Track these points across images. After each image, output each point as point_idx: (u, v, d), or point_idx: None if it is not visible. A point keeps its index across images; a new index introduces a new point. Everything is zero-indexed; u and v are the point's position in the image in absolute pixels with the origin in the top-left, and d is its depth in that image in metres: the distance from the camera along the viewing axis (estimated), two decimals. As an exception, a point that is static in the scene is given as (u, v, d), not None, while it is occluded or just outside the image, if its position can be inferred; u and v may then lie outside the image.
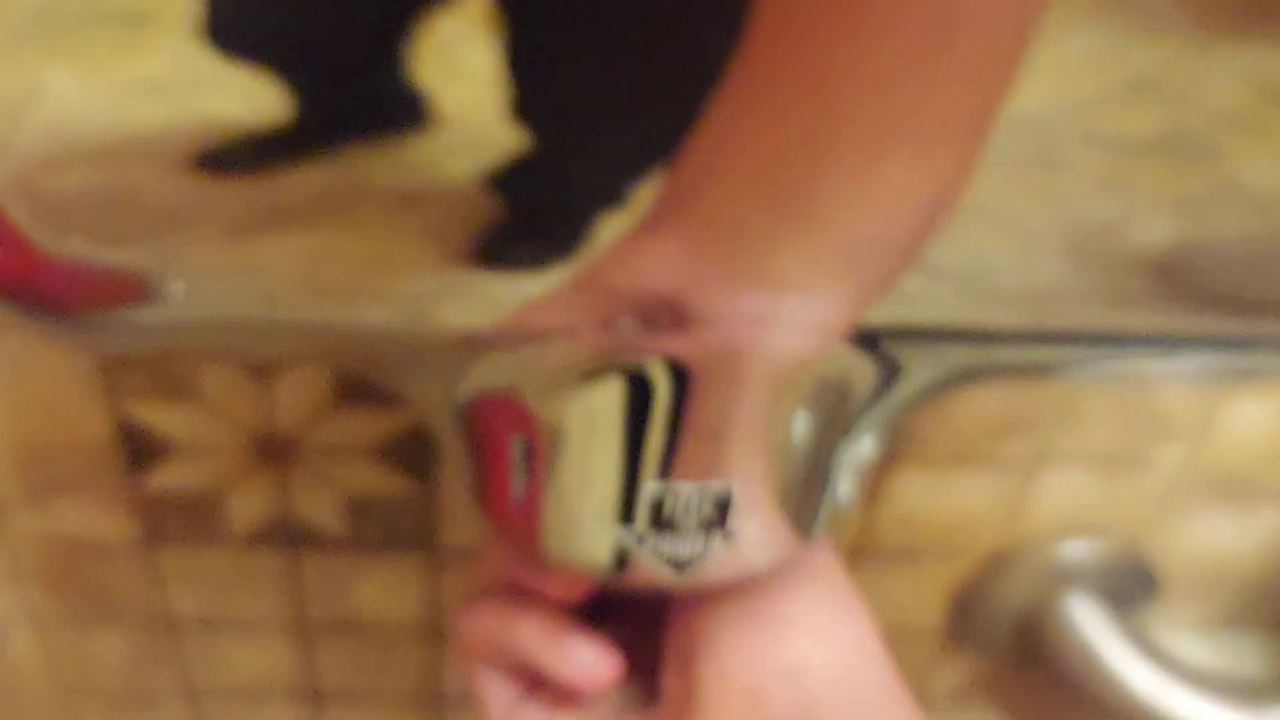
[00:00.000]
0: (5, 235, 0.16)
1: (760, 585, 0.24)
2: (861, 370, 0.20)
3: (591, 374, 0.20)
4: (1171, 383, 0.40)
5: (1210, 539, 0.47)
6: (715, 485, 0.21)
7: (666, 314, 0.18)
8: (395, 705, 0.52)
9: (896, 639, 0.49)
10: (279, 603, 0.46)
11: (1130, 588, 0.48)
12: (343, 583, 0.46)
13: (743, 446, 0.20)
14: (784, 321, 0.17)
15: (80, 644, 0.48)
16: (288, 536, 0.43)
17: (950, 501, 0.43)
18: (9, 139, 0.15)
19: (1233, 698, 0.46)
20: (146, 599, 0.46)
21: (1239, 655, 0.51)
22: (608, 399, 0.20)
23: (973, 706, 0.53)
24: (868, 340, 0.19)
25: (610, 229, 0.16)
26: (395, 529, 0.43)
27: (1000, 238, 0.17)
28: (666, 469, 0.21)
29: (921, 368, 0.20)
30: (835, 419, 0.21)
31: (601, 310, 0.18)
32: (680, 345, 0.18)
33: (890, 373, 0.20)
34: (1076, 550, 0.46)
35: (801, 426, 0.21)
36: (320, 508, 0.42)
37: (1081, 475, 0.43)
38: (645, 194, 0.16)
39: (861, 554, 0.46)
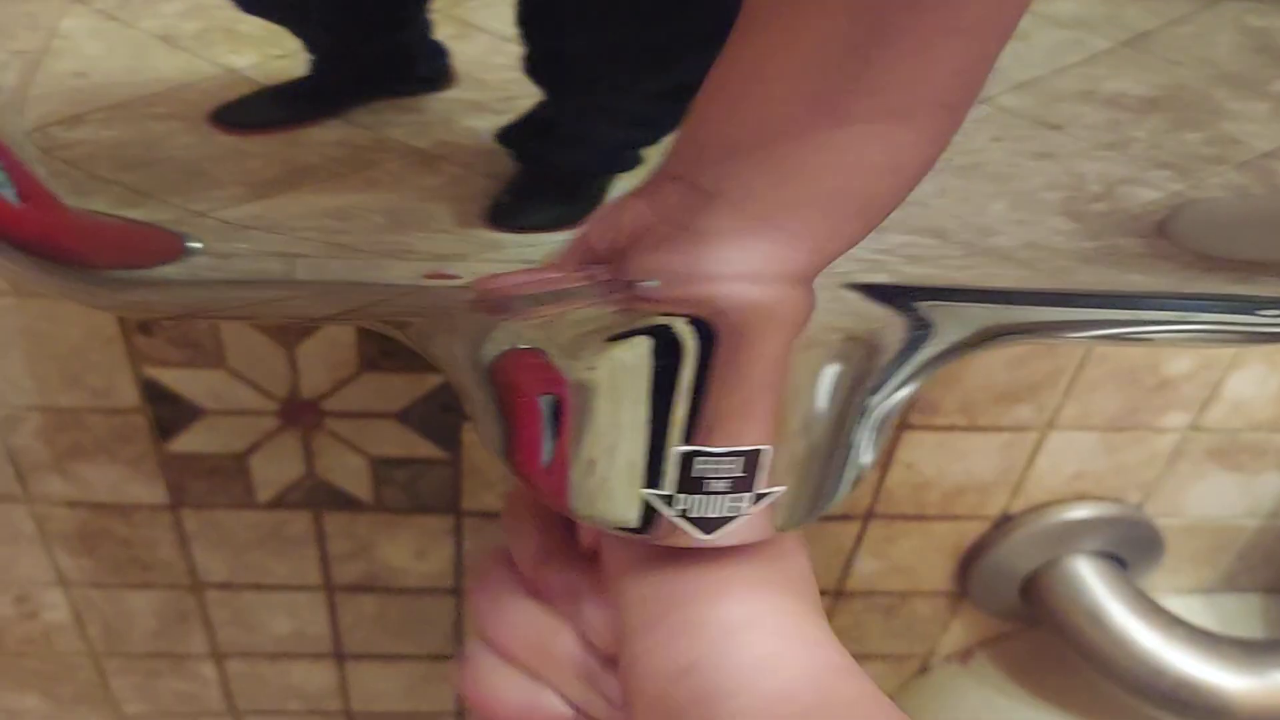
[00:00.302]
0: (30, 190, 0.16)
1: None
2: (891, 327, 0.20)
3: (617, 334, 0.20)
4: (1180, 346, 0.40)
5: (1212, 504, 0.48)
6: (744, 446, 0.21)
7: (633, 270, 0.18)
8: (419, 667, 0.53)
9: (905, 601, 0.51)
10: (304, 566, 0.47)
11: (1134, 551, 0.49)
12: (367, 546, 0.46)
13: (769, 405, 0.20)
14: (764, 276, 0.17)
15: (108, 607, 0.49)
16: (312, 500, 0.44)
17: (961, 466, 0.44)
18: (27, 91, 0.14)
19: (1232, 658, 0.46)
20: (173, 562, 0.47)
21: (1239, 617, 0.52)
22: (634, 359, 0.20)
23: (977, 666, 0.54)
24: (898, 297, 0.20)
25: (623, 188, 0.16)
26: (419, 493, 0.44)
27: (999, 197, 0.17)
28: (694, 429, 0.21)
29: (951, 326, 0.21)
30: (864, 376, 0.21)
31: (583, 269, 0.18)
32: (683, 304, 0.18)
33: (920, 330, 0.21)
34: (1082, 514, 0.47)
35: (829, 384, 0.21)
36: (344, 472, 0.43)
37: (1089, 441, 0.44)
38: (658, 153, 0.16)
39: (873, 518, 0.46)
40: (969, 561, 0.49)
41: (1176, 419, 0.43)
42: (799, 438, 0.22)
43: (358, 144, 0.15)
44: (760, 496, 0.22)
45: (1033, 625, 0.52)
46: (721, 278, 0.18)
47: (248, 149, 0.15)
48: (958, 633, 0.53)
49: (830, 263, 0.18)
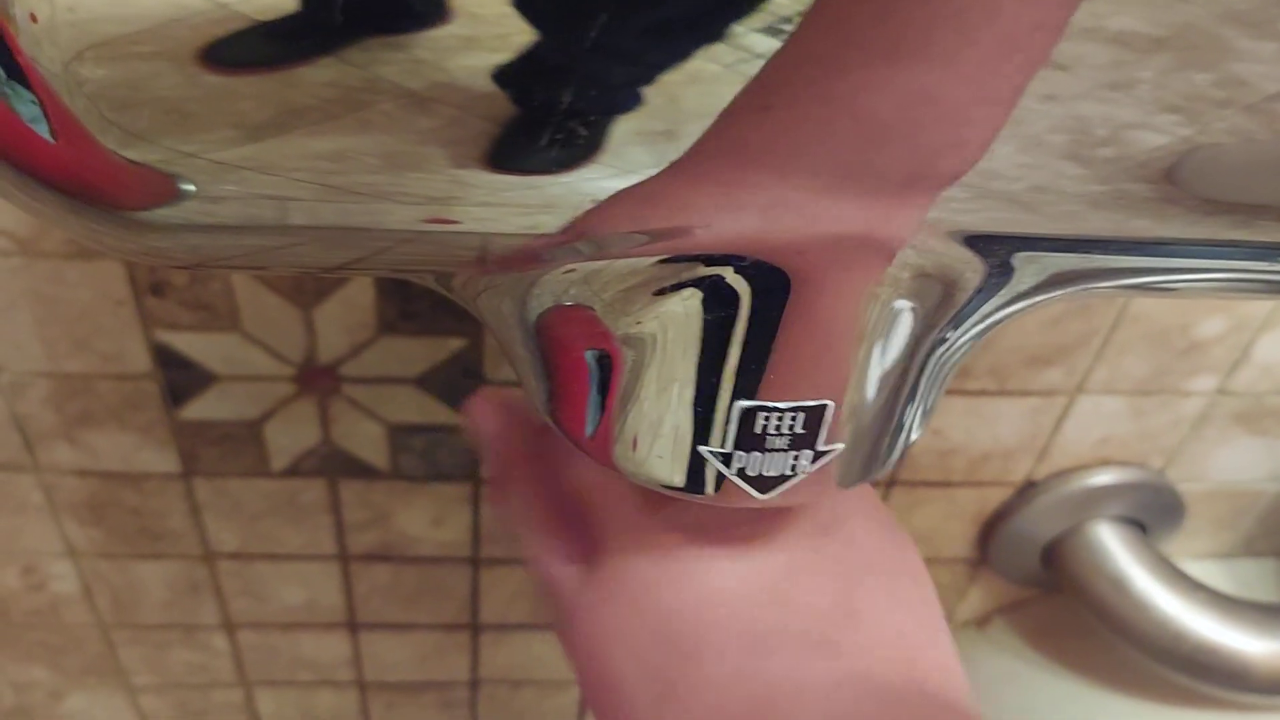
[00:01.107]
0: (64, 126, 0.15)
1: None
2: (971, 267, 0.20)
3: (667, 288, 0.19)
4: (1213, 298, 0.40)
5: (1235, 468, 0.48)
6: (808, 401, 0.20)
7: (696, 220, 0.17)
8: (433, 636, 0.52)
9: (925, 567, 0.50)
10: (318, 535, 0.46)
11: (1155, 516, 0.48)
12: (383, 514, 0.46)
13: (835, 358, 0.20)
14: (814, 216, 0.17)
15: (118, 577, 0.48)
16: (327, 468, 0.43)
17: (988, 432, 0.44)
18: (53, 19, 0.14)
19: (1252, 622, 0.46)
20: (184, 532, 0.46)
21: (1257, 581, 0.52)
22: (684, 313, 0.19)
23: (995, 632, 0.53)
24: (978, 240, 0.19)
25: (624, 130, 0.15)
26: (436, 460, 0.43)
27: (1003, 140, 0.16)
28: (756, 384, 0.20)
29: (1029, 270, 0.20)
30: (937, 317, 0.21)
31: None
32: (751, 253, 0.18)
33: (1000, 272, 0.20)
34: (1106, 480, 0.46)
35: (903, 327, 0.20)
36: (361, 439, 0.42)
37: (1116, 406, 0.43)
38: (658, 93, 0.15)
39: (896, 484, 0.46)
40: (990, 528, 0.49)
41: (1204, 382, 0.43)
42: (861, 394, 0.21)
43: (350, 84, 0.15)
44: (819, 455, 0.21)
45: (1052, 591, 0.52)
46: (795, 226, 0.17)
47: (238, 89, 0.15)
48: (975, 599, 0.53)
49: (901, 211, 0.17)
